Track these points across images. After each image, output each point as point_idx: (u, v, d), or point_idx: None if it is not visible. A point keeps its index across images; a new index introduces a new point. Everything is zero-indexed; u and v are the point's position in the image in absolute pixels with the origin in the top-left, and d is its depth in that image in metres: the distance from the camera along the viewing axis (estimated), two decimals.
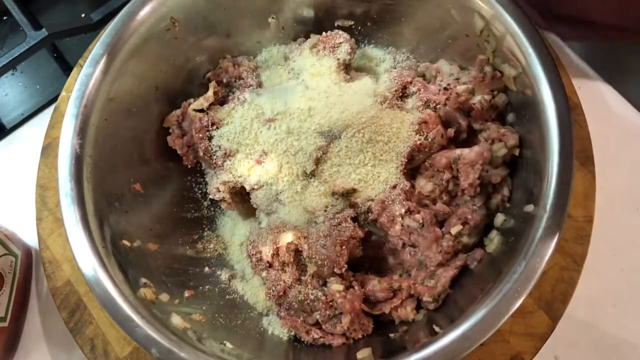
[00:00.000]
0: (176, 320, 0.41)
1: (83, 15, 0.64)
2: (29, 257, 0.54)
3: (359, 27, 0.54)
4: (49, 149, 0.53)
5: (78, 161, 0.42)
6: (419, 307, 0.44)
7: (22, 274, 0.52)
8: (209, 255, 0.51)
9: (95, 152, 0.44)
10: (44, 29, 0.59)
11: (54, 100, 0.60)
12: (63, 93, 0.55)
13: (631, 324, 0.47)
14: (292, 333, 0.45)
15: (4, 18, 0.66)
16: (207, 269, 0.50)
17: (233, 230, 0.52)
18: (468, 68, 0.47)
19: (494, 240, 0.43)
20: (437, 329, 0.39)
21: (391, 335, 0.43)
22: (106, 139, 0.45)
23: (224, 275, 0.50)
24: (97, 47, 0.45)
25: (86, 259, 0.39)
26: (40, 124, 0.60)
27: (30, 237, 0.54)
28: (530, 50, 0.40)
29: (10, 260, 0.51)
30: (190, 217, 0.52)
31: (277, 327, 0.46)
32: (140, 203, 0.48)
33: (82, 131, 0.43)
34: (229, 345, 0.41)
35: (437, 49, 0.50)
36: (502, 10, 0.40)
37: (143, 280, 0.43)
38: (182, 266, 0.48)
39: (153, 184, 0.49)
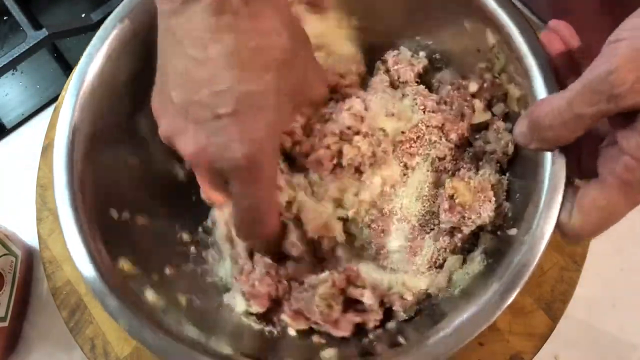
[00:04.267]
0: (150, 295, 0.40)
1: (83, 15, 0.64)
2: (29, 257, 0.54)
3: None
4: (49, 149, 0.53)
5: (76, 132, 0.41)
6: (391, 316, 0.43)
7: (22, 274, 0.52)
8: (199, 237, 0.50)
9: (95, 124, 0.43)
10: (44, 29, 0.58)
11: (54, 100, 0.60)
12: (63, 93, 0.55)
13: (631, 324, 0.47)
14: (264, 325, 0.45)
15: (4, 18, 0.66)
16: (193, 248, 0.48)
17: (225, 215, 0.51)
18: (469, 77, 0.47)
19: (475, 260, 0.42)
20: (401, 340, 0.38)
21: (363, 340, 0.42)
22: (109, 111, 0.44)
23: (210, 257, 0.49)
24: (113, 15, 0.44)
25: (71, 230, 0.39)
26: (40, 124, 0.60)
27: (30, 237, 0.54)
28: (536, 74, 0.38)
29: (10, 260, 0.51)
30: (188, 198, 0.50)
31: (251, 317, 0.45)
32: (137, 179, 0.46)
33: (83, 104, 0.42)
34: (198, 326, 0.41)
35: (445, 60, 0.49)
36: (514, 29, 0.39)
37: (124, 251, 0.42)
38: (168, 244, 0.47)
39: (154, 161, 0.48)
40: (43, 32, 0.58)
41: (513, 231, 0.37)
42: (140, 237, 0.45)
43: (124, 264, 0.41)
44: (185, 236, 0.49)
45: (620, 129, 0.31)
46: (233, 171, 0.34)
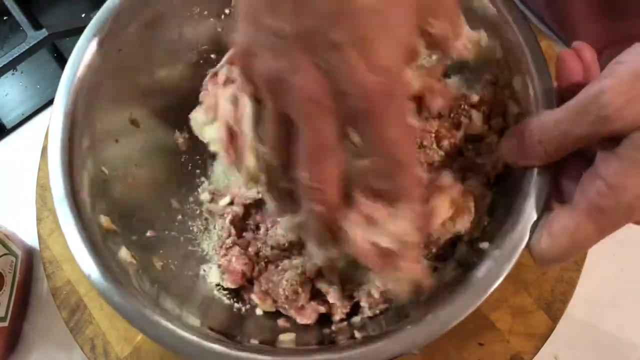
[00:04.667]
0: (124, 253, 0.40)
1: (83, 15, 0.64)
2: (30, 257, 0.54)
3: None
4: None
5: (75, 91, 0.42)
6: (357, 310, 0.43)
7: (22, 274, 0.52)
8: (187, 207, 0.50)
9: (96, 81, 0.43)
10: (44, 29, 0.58)
11: (54, 100, 0.60)
12: None
13: (632, 324, 0.47)
14: (234, 301, 0.45)
15: (4, 18, 0.66)
16: (180, 217, 0.48)
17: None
18: (473, 87, 0.46)
19: (447, 268, 0.41)
20: (358, 335, 0.38)
21: (324, 330, 0.42)
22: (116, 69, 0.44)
23: (195, 228, 0.49)
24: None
25: (58, 181, 0.40)
26: (40, 124, 0.60)
27: (30, 237, 0.55)
28: (537, 92, 0.37)
29: (10, 260, 0.51)
30: (185, 167, 0.50)
31: (223, 291, 0.46)
32: (134, 134, 0.46)
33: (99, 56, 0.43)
34: (168, 292, 0.41)
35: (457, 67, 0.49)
36: (524, 47, 0.38)
37: (107, 207, 0.41)
38: (156, 208, 0.47)
39: (153, 129, 0.48)
40: (43, 32, 0.58)
41: (485, 245, 0.37)
42: (127, 197, 0.45)
43: (104, 220, 0.41)
44: (175, 203, 0.49)
45: (601, 153, 0.30)
46: (360, 109, 0.27)
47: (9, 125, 0.61)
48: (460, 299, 0.34)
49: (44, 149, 0.53)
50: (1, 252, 0.49)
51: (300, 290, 0.42)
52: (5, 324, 0.49)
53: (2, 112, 0.62)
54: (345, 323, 0.42)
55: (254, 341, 0.39)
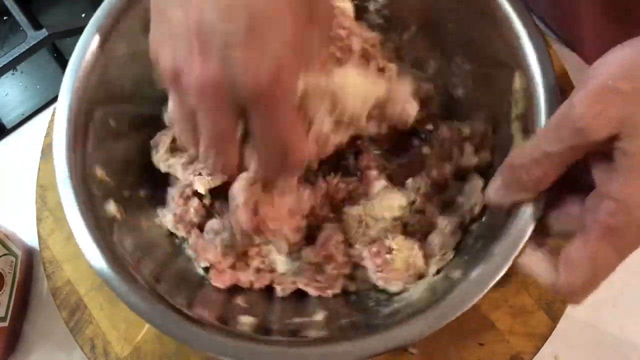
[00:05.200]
0: (111, 207, 0.40)
1: (83, 15, 0.64)
2: (29, 257, 0.54)
3: None
4: (49, 149, 0.53)
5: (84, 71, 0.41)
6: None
7: (22, 274, 0.52)
8: None
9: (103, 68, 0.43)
10: (44, 29, 0.59)
11: (54, 100, 0.60)
12: None
13: (632, 324, 0.47)
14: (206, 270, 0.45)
15: (4, 18, 0.66)
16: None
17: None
18: (465, 121, 0.46)
19: (418, 287, 0.41)
20: (314, 333, 0.38)
21: (286, 321, 0.42)
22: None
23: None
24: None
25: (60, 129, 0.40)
26: (40, 124, 0.60)
27: (30, 237, 0.55)
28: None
29: (10, 260, 0.51)
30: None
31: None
32: (141, 95, 0.46)
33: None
34: (146, 257, 0.41)
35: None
36: (540, 79, 0.37)
37: (105, 159, 0.42)
38: (150, 168, 0.47)
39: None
40: (43, 32, 0.58)
41: (457, 273, 0.37)
42: (127, 153, 0.45)
43: (99, 171, 0.41)
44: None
45: (599, 173, 0.29)
46: (253, 98, 0.29)
47: (9, 125, 0.61)
48: (426, 321, 0.33)
49: (44, 149, 0.53)
50: (1, 252, 0.50)
51: (230, 251, 0.43)
52: (5, 324, 0.49)
53: (2, 112, 0.62)
54: (309, 319, 0.42)
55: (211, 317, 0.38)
